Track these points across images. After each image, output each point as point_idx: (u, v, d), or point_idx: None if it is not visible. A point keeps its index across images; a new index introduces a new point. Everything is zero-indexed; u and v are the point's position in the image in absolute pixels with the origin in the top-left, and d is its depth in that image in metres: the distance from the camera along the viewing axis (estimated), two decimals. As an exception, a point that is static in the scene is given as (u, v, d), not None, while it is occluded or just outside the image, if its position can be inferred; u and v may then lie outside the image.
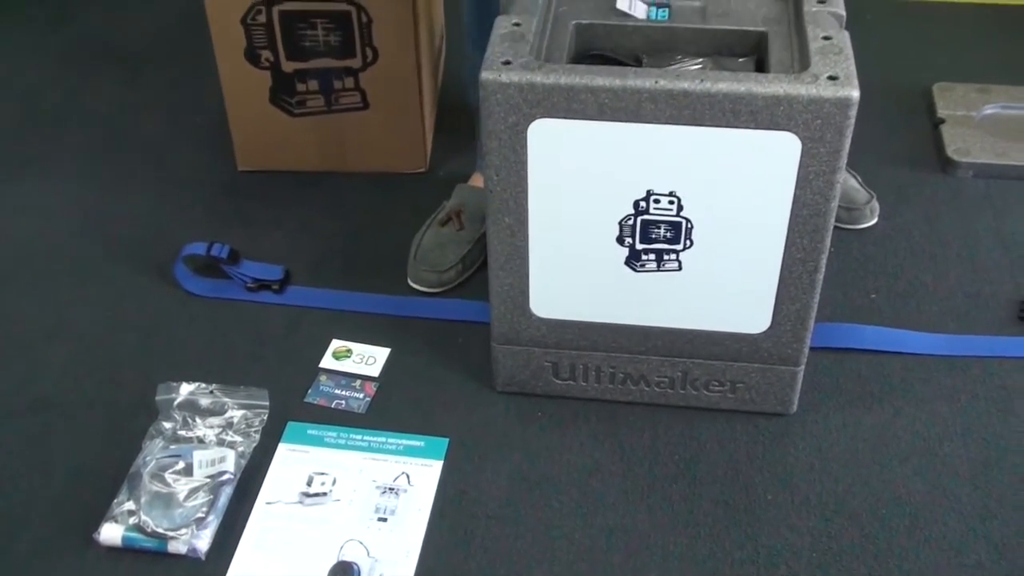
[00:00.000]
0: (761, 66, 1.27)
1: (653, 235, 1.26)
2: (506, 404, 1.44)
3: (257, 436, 1.39)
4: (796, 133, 1.15)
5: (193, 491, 1.29)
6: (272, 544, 1.27)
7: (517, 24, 1.24)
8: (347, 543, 1.27)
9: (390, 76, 1.77)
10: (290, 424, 1.41)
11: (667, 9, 1.32)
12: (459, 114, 1.90)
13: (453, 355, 1.51)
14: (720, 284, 1.29)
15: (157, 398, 1.40)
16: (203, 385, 1.42)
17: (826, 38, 1.19)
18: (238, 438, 1.37)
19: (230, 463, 1.33)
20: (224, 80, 1.77)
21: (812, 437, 1.38)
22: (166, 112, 2.04)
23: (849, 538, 1.26)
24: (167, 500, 1.28)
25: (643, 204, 1.24)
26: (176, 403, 1.40)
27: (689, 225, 1.25)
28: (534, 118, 1.19)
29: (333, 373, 1.49)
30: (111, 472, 1.33)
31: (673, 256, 1.28)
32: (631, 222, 1.25)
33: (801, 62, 1.20)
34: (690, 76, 1.15)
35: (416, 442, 1.39)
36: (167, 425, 1.38)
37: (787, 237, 1.23)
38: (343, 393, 1.46)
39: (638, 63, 1.29)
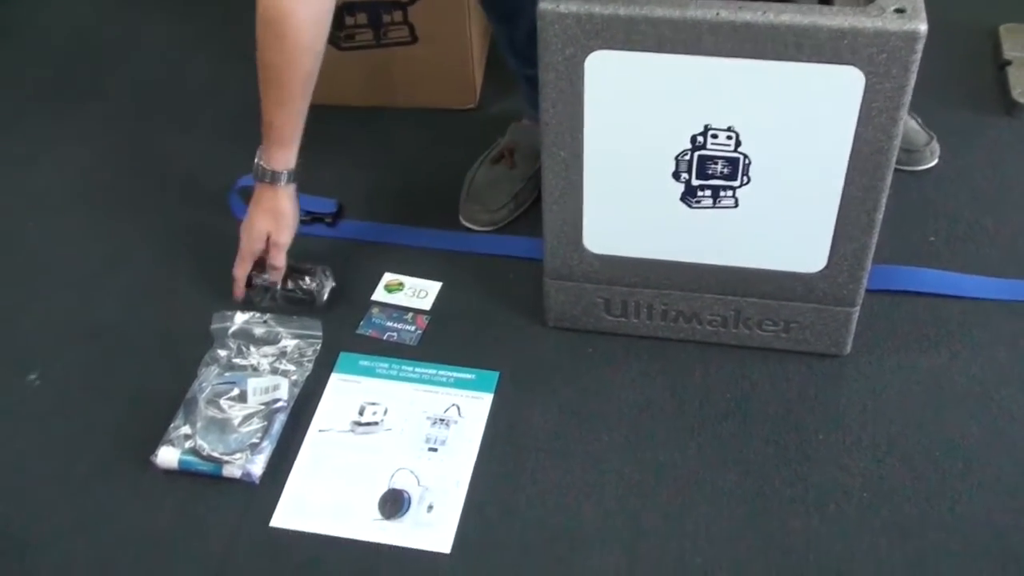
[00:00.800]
0: (825, -1, 1.25)
1: (710, 171, 1.25)
2: (557, 340, 1.44)
3: (310, 366, 1.40)
4: (860, 67, 1.13)
5: (247, 417, 1.31)
6: (324, 471, 1.29)
7: (576, -46, 1.22)
8: (398, 472, 1.28)
9: (438, 10, 1.75)
10: (342, 355, 1.43)
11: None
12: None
13: (504, 290, 1.51)
14: (776, 222, 1.28)
15: (212, 327, 1.42)
16: (257, 315, 1.44)
17: (893, -30, 1.17)
18: (291, 367, 1.39)
19: (284, 391, 1.34)
20: None
21: (865, 379, 1.37)
22: (218, 47, 2.04)
23: (900, 479, 1.25)
24: (222, 425, 1.30)
25: (700, 139, 1.22)
26: (231, 332, 1.42)
27: (747, 161, 1.23)
28: (592, 49, 1.17)
29: (385, 306, 1.50)
30: (168, 398, 1.36)
31: (729, 193, 1.26)
32: (687, 157, 1.24)
33: (867, -6, 1.18)
34: (752, 7, 1.13)
35: (467, 375, 1.39)
36: (222, 353, 1.40)
37: (847, 175, 1.21)
38: (395, 325, 1.47)
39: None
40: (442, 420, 1.34)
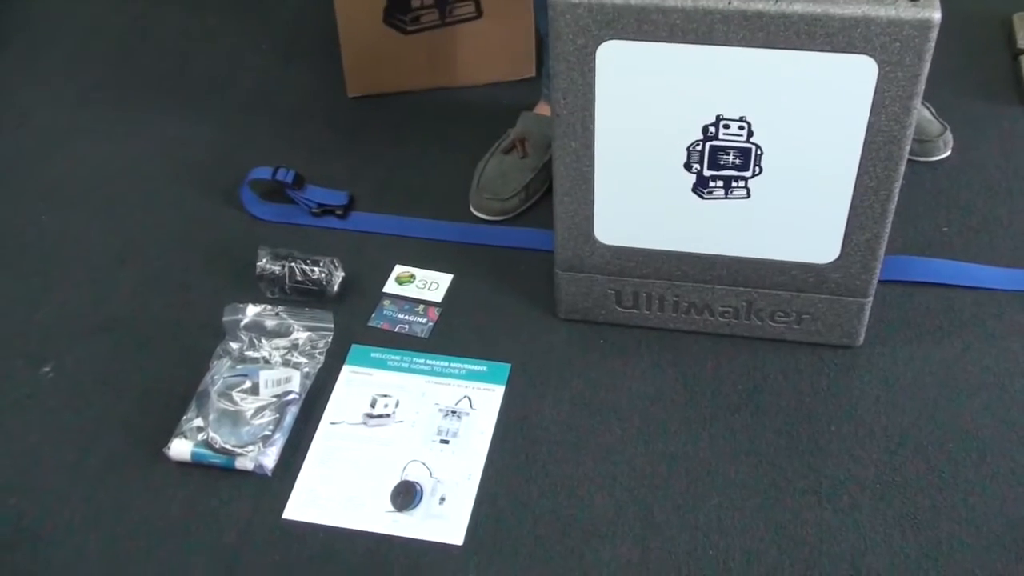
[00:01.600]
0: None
1: (722, 161, 1.24)
2: (568, 331, 1.44)
3: (322, 358, 1.40)
4: (873, 56, 1.12)
5: (260, 410, 1.31)
6: (336, 463, 1.29)
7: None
8: (410, 464, 1.28)
9: None
10: (354, 347, 1.43)
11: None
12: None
13: (515, 282, 1.51)
14: (789, 212, 1.27)
15: (224, 319, 1.42)
16: (269, 307, 1.44)
17: (906, -41, 1.16)
18: (303, 359, 1.39)
19: (295, 383, 1.34)
20: (338, 3, 1.77)
21: (878, 370, 1.37)
22: (230, 38, 2.04)
23: (914, 470, 1.25)
24: (235, 418, 1.31)
25: (712, 129, 1.22)
26: (242, 324, 1.42)
27: (759, 151, 1.23)
28: (603, 40, 1.17)
29: (396, 298, 1.50)
30: (180, 390, 1.36)
31: (742, 183, 1.26)
32: (699, 148, 1.24)
33: (880, -17, 1.17)
34: (764, -3, 1.12)
35: (478, 367, 1.39)
36: (234, 345, 1.40)
37: (860, 165, 1.21)
38: (406, 318, 1.47)
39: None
40: (454, 412, 1.34)
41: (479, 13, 1.80)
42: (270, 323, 1.43)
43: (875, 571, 1.16)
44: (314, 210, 1.63)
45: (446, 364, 1.40)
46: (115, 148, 1.81)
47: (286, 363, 1.38)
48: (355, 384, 1.38)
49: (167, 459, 1.29)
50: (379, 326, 1.46)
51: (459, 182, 1.66)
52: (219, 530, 1.23)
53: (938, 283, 1.47)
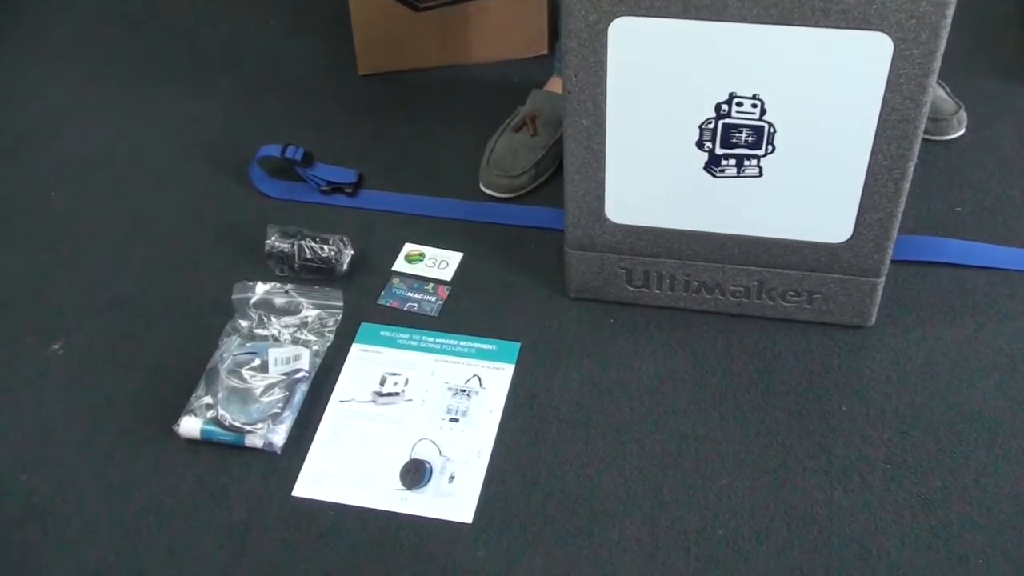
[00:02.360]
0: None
1: (734, 139, 1.23)
2: (578, 310, 1.44)
3: (331, 336, 1.40)
4: (888, 33, 1.11)
5: (269, 387, 1.31)
6: (346, 441, 1.29)
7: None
8: (419, 442, 1.28)
9: None
10: (363, 325, 1.43)
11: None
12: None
13: (525, 261, 1.51)
14: (801, 191, 1.26)
15: (233, 297, 1.42)
16: (278, 285, 1.44)
17: (923, -66, 1.14)
18: (312, 337, 1.39)
19: (305, 361, 1.34)
20: None
21: (890, 350, 1.36)
22: (240, 16, 2.03)
23: (925, 451, 1.24)
24: (244, 395, 1.30)
25: (725, 107, 1.21)
26: (252, 302, 1.42)
27: (772, 130, 1.22)
28: (615, 16, 1.16)
29: (406, 276, 1.50)
30: (189, 368, 1.36)
31: (754, 161, 1.25)
32: (712, 126, 1.23)
33: (896, -41, 1.15)
34: (779, -28, 1.11)
35: (488, 345, 1.39)
36: (243, 323, 1.40)
37: (874, 143, 1.20)
38: (416, 296, 1.47)
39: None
40: (463, 391, 1.34)
41: (491, -12, 1.79)
42: (279, 301, 1.42)
43: (885, 551, 1.15)
44: (323, 188, 1.63)
45: (456, 343, 1.40)
46: (125, 125, 1.80)
47: (295, 341, 1.38)
48: (364, 362, 1.38)
49: (177, 436, 1.29)
50: (388, 304, 1.46)
51: (469, 160, 1.65)
52: (228, 507, 1.23)
53: (951, 263, 1.46)
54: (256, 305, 1.41)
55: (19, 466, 1.29)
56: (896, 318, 1.39)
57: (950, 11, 1.08)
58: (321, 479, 1.25)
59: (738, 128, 1.22)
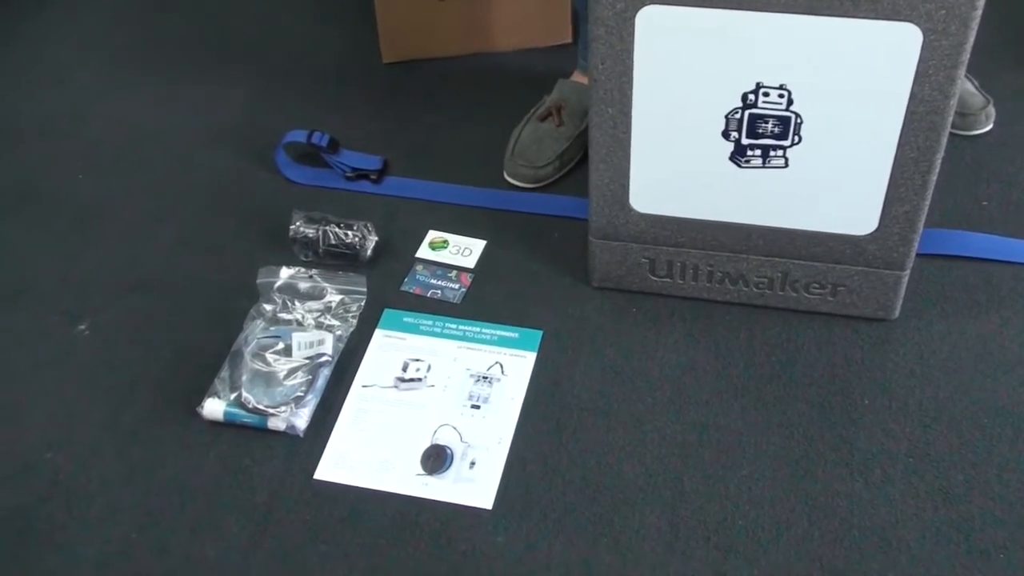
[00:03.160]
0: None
1: (760, 130, 1.23)
2: (600, 299, 1.44)
3: (354, 321, 1.41)
4: (918, 24, 1.10)
5: (292, 371, 1.32)
6: (368, 425, 1.30)
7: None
8: (440, 428, 1.29)
9: None
10: (387, 311, 1.43)
11: None
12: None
13: (549, 250, 1.51)
14: (827, 183, 1.26)
15: (258, 281, 1.43)
16: (302, 270, 1.44)
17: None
18: (336, 322, 1.40)
19: (328, 346, 1.35)
20: None
21: (913, 344, 1.35)
22: (269, 1, 2.04)
23: (947, 445, 1.24)
24: (267, 379, 1.31)
25: (752, 97, 1.20)
26: (276, 286, 1.42)
27: (798, 120, 1.21)
28: (643, 4, 1.16)
29: (429, 263, 1.50)
30: (213, 350, 1.37)
31: (780, 152, 1.24)
32: (738, 116, 1.22)
33: (926, -50, 1.15)
34: (808, -38, 1.11)
35: (510, 333, 1.39)
36: (267, 307, 1.40)
37: (901, 135, 1.19)
38: (439, 283, 1.47)
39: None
40: (485, 378, 1.34)
41: (514, -23, 1.79)
42: (303, 286, 1.43)
43: (906, 544, 1.15)
44: (348, 174, 1.63)
45: (478, 330, 1.40)
46: (151, 109, 1.81)
47: (319, 326, 1.39)
48: (387, 348, 1.39)
49: (200, 418, 1.30)
50: (412, 291, 1.47)
51: (493, 148, 1.65)
52: (251, 489, 1.24)
53: (976, 257, 1.45)
54: (280, 289, 1.42)
55: (45, 444, 1.30)
56: (920, 312, 1.39)
57: (981, 2, 1.08)
58: (343, 463, 1.26)
59: (764, 118, 1.22)
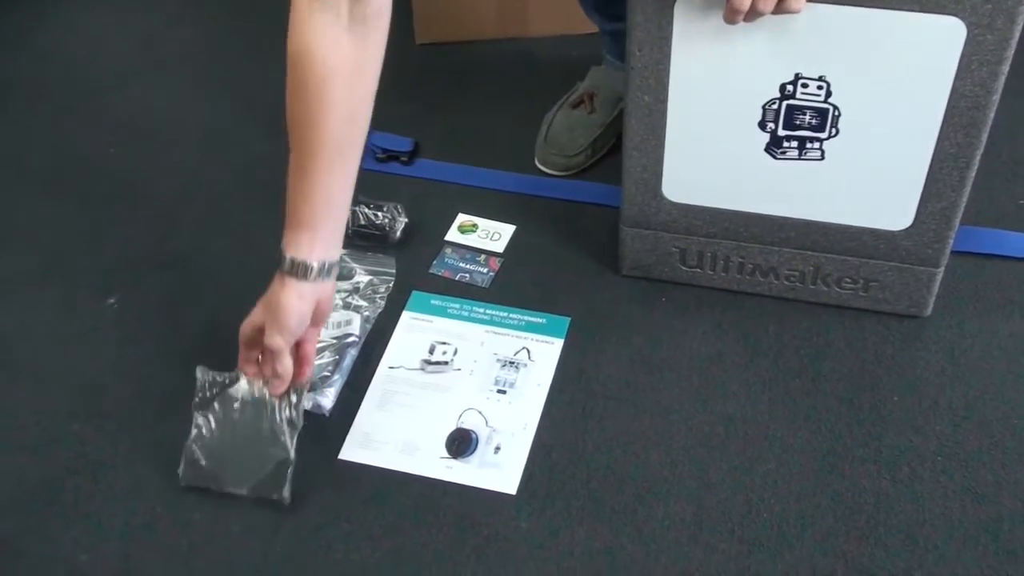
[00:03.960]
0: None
1: (797, 121, 1.22)
2: (629, 288, 1.43)
3: (382, 303, 1.41)
4: (962, 18, 1.09)
5: (319, 351, 1.32)
6: (393, 407, 1.30)
7: None
8: (466, 411, 1.29)
9: None
10: (415, 293, 1.43)
11: None
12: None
13: (578, 236, 1.50)
14: (863, 177, 1.25)
15: (287, 260, 1.42)
16: (332, 250, 1.44)
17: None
18: (364, 303, 1.40)
19: (356, 326, 1.35)
20: None
21: (945, 342, 1.34)
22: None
23: (977, 444, 1.23)
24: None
25: (790, 88, 1.19)
26: (305, 266, 1.42)
27: (836, 112, 1.20)
28: (683, -9, 1.15)
29: (458, 246, 1.50)
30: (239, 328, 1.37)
31: (816, 144, 1.23)
32: (775, 106, 1.21)
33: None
34: (852, -48, 1.09)
35: (538, 319, 1.39)
36: (296, 286, 1.40)
37: (940, 130, 1.18)
38: (467, 266, 1.47)
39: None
40: (512, 363, 1.34)
41: (549, -38, 1.78)
42: (332, 265, 1.43)
43: (932, 543, 1.14)
44: (379, 155, 1.63)
45: (506, 315, 1.40)
46: (182, 86, 1.82)
47: (347, 306, 1.39)
48: (414, 330, 1.38)
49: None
50: (440, 274, 1.46)
51: (525, 133, 1.65)
52: (276, 467, 1.24)
53: (1011, 256, 1.44)
54: (309, 268, 1.42)
55: (72, 415, 1.31)
56: (953, 309, 1.37)
57: (1029, -4, 1.06)
58: (368, 443, 1.26)
59: (802, 110, 1.21)
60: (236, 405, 1.21)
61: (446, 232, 1.52)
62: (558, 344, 1.36)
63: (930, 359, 1.32)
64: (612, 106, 1.62)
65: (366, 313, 1.38)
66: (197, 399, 1.22)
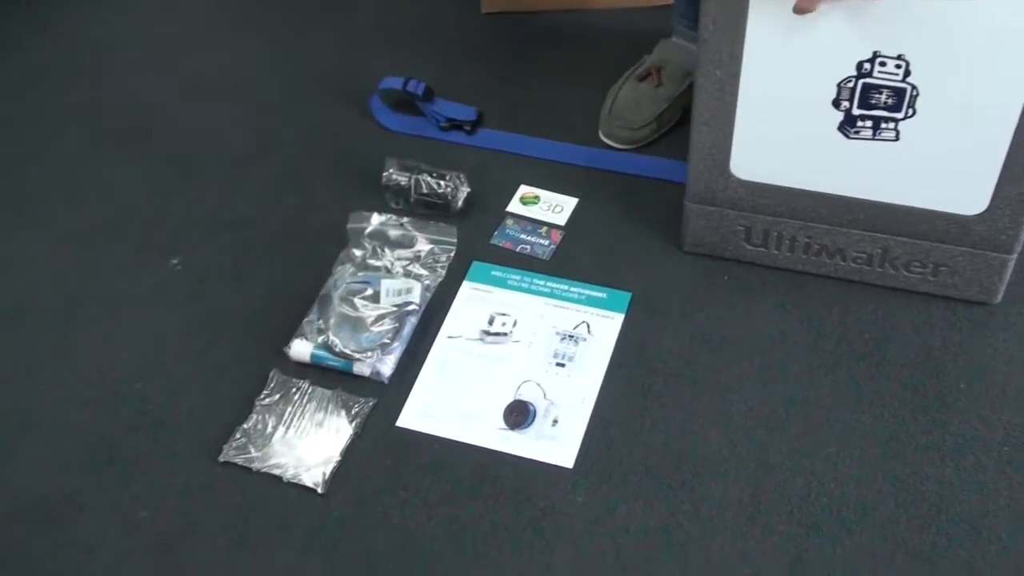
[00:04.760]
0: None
1: (873, 100, 1.19)
2: (692, 265, 1.41)
3: (443, 272, 1.40)
4: (1051, -2, 1.05)
5: (380, 317, 1.32)
6: (452, 376, 1.30)
7: None
8: (524, 383, 1.28)
9: None
10: (475, 263, 1.43)
11: None
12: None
13: (641, 211, 1.49)
14: (939, 159, 1.22)
15: (349, 226, 1.43)
16: (393, 217, 1.44)
17: None
18: (424, 271, 1.40)
19: (416, 294, 1.35)
20: None
21: (1015, 329, 1.31)
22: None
23: (1046, 436, 1.21)
24: (355, 323, 1.32)
25: (867, 66, 1.17)
26: (367, 232, 1.43)
27: (914, 93, 1.17)
28: (761, -36, 1.13)
29: (520, 218, 1.49)
30: (302, 292, 1.38)
31: (891, 125, 1.21)
32: (851, 84, 1.19)
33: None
34: (939, -73, 1.06)
35: (599, 293, 1.38)
36: (357, 252, 1.41)
37: (1022, 114, 1.15)
38: (529, 238, 1.46)
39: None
40: (571, 336, 1.33)
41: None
42: (394, 233, 1.43)
43: (996, 534, 1.12)
44: (443, 124, 1.63)
45: (566, 288, 1.39)
46: (252, 49, 1.83)
47: (407, 274, 1.39)
48: (474, 300, 1.38)
49: (287, 358, 1.31)
50: (501, 245, 1.46)
51: (589, 106, 1.63)
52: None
53: (1087, 246, 1.40)
54: (371, 236, 1.42)
55: (135, 374, 1.32)
56: (1024, 298, 1.35)
57: (1121, -22, 1.03)
58: (426, 412, 1.26)
59: (879, 89, 1.18)
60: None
61: (508, 203, 1.51)
62: (618, 319, 1.35)
63: (999, 347, 1.30)
64: (679, 81, 1.59)
65: (426, 282, 1.38)
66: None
